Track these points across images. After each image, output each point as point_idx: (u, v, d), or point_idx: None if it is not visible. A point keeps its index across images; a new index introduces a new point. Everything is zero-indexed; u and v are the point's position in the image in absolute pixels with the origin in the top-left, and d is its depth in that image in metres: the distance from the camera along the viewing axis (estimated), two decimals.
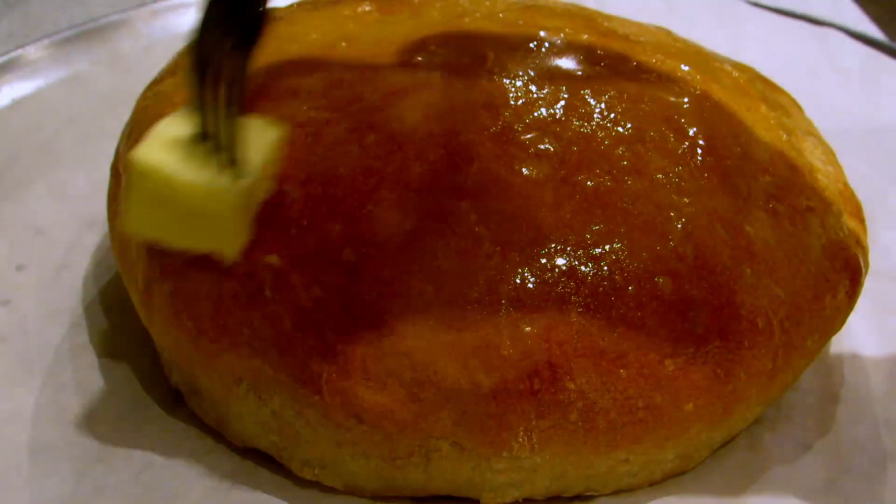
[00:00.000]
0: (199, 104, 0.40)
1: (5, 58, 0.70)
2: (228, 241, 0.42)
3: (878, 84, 0.75)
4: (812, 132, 0.55)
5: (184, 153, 0.40)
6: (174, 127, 0.41)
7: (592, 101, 0.47)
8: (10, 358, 0.51)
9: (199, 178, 0.40)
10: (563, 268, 0.42)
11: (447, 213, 0.42)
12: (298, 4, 0.59)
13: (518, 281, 0.41)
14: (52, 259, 0.57)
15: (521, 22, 0.53)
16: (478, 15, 0.54)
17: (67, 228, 0.60)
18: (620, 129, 0.46)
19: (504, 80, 0.48)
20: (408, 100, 0.47)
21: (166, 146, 0.40)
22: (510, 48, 0.50)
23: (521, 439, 0.41)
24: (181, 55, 0.55)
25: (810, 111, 0.58)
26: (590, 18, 0.56)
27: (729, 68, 0.55)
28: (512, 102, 0.46)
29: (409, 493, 0.45)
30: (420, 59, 0.49)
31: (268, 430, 0.44)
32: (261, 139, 0.42)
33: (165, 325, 0.45)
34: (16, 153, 0.64)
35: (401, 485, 0.44)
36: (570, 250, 0.42)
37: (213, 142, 0.40)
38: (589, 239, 0.42)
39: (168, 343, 0.45)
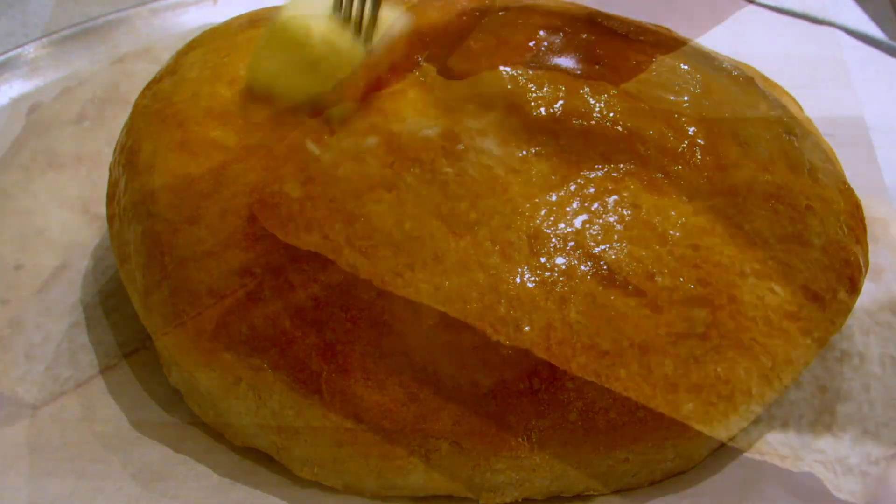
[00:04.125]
0: None
1: (4, 57, 0.70)
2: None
3: (877, 83, 0.75)
4: (812, 131, 0.55)
5: (324, 18, 0.47)
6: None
7: (592, 101, 0.47)
8: (9, 357, 0.51)
9: (331, 35, 0.46)
10: (563, 267, 0.42)
11: (447, 212, 0.42)
12: None
13: (518, 281, 0.41)
14: (52, 259, 0.57)
15: (520, 21, 0.53)
16: (477, 14, 0.54)
17: (67, 228, 0.60)
18: (620, 128, 0.46)
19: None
20: (406, 99, 0.47)
21: (310, 8, 0.48)
22: (510, 47, 0.50)
23: (520, 439, 0.41)
24: (180, 54, 0.55)
25: (810, 111, 0.58)
26: (590, 17, 0.55)
27: (729, 68, 0.55)
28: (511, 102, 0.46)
29: (409, 493, 0.45)
30: (419, 58, 0.49)
31: (267, 429, 0.44)
32: (390, 21, 0.49)
33: (165, 325, 0.45)
34: (15, 152, 0.64)
35: (400, 485, 0.44)
36: (570, 250, 0.42)
37: (348, 13, 0.47)
38: (589, 239, 0.42)
39: (168, 343, 0.45)
